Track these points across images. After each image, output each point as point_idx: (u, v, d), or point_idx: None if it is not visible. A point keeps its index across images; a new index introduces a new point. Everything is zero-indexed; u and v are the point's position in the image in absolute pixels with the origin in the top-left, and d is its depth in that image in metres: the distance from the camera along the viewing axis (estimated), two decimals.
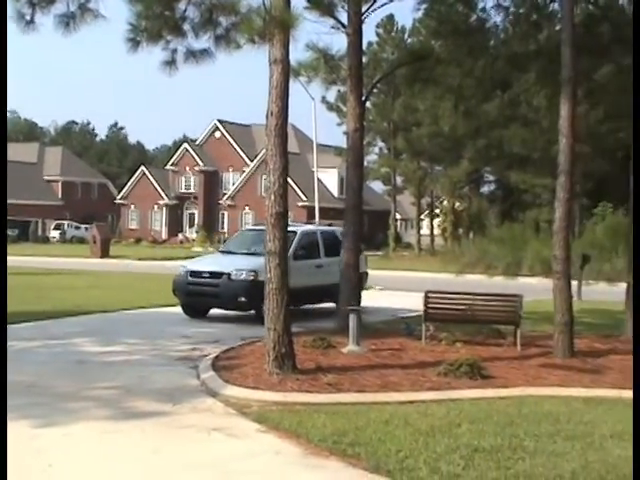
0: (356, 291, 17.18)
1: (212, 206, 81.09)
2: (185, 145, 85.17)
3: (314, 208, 53.82)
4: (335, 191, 72.53)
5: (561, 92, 14.40)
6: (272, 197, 11.69)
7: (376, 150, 72.56)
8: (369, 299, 22.22)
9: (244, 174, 77.75)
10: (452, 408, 9.98)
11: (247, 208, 76.24)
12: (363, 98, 17.67)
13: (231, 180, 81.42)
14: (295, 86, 28.50)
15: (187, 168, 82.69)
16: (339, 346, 14.27)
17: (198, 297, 19.48)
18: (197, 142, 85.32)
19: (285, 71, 11.69)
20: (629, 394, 10.95)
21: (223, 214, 79.58)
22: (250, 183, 75.81)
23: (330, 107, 67.17)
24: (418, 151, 59.68)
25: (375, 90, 49.00)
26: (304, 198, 68.57)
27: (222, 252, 21.72)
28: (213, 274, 19.25)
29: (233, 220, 77.61)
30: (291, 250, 19.87)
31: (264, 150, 12.01)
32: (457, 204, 71.32)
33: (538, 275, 33.42)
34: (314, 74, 18.50)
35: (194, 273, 19.68)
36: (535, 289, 24.10)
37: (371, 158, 71.41)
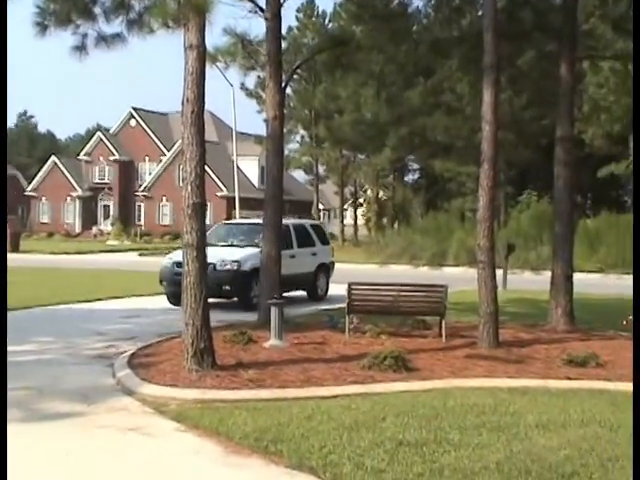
0: (277, 284, 17.08)
1: (128, 197, 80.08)
2: (99, 134, 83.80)
3: (234, 199, 53.61)
4: (256, 181, 72.16)
5: (483, 79, 14.41)
6: (189, 188, 11.55)
7: (297, 138, 72.55)
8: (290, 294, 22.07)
9: (161, 164, 76.92)
10: (376, 402, 9.98)
11: (164, 199, 75.46)
12: (283, 84, 17.52)
13: (147, 170, 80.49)
14: (212, 72, 28.28)
15: (101, 158, 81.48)
16: (261, 341, 14.18)
17: None
18: (111, 131, 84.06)
19: (201, 57, 11.57)
20: (554, 384, 11.31)
21: (139, 206, 78.60)
22: (167, 173, 74.96)
23: (249, 94, 66.85)
24: (340, 139, 59.62)
25: (295, 76, 48.93)
26: (223, 188, 68.14)
27: None
28: None
29: (150, 212, 76.77)
30: None
31: (181, 139, 11.85)
32: (381, 193, 72.17)
33: (463, 265, 34.00)
34: (232, 60, 18.39)
35: (181, 264, 20.12)
36: (460, 279, 24.22)
37: (292, 146, 71.46)
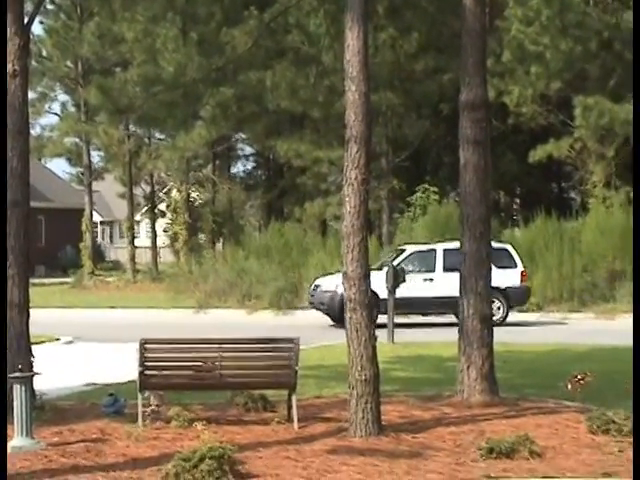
0: (25, 343, 15.69)
1: None
2: None
3: None
4: None
5: (346, 9, 13.47)
6: None
7: (56, 107, 62.64)
8: (49, 361, 19.27)
9: None
10: None
11: None
12: (26, 19, 15.82)
13: None
14: None
15: None
16: None
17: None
18: None
19: None
20: None
21: None
22: None
23: None
24: (124, 107, 48.58)
25: (49, 5, 44.62)
26: None
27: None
28: None
29: None
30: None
31: None
32: (194, 194, 62.46)
33: None
34: None
35: (316, 287, 31.68)
36: (323, 328, 25.86)
37: (48, 121, 62.67)
